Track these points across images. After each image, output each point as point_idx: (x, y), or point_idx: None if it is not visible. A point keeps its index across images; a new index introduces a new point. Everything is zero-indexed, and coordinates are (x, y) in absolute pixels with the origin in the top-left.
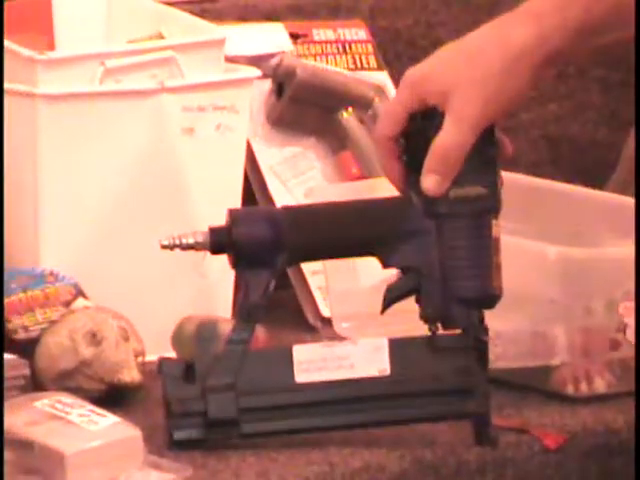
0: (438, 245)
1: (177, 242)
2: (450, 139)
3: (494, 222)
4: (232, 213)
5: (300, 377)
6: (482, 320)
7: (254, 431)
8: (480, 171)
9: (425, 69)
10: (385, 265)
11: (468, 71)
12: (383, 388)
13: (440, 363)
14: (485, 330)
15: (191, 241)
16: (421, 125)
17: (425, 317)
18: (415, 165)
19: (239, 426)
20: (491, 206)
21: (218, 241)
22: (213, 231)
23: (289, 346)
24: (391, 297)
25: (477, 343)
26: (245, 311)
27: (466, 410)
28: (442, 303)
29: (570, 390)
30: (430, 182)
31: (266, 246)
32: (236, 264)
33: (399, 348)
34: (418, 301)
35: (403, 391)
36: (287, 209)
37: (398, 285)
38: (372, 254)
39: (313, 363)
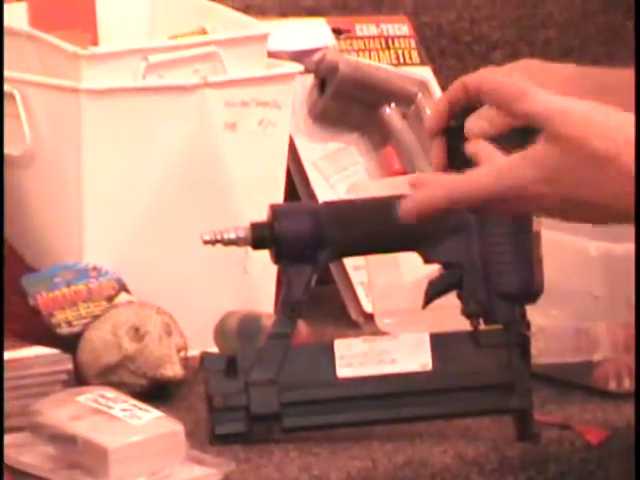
0: (479, 240)
1: (219, 237)
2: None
3: (534, 217)
4: (274, 208)
5: (342, 372)
6: (524, 315)
7: (296, 425)
8: None
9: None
10: (427, 260)
11: None
12: (425, 383)
13: (482, 358)
14: (527, 325)
15: (233, 236)
16: (462, 121)
17: (467, 312)
18: (456, 160)
19: (281, 420)
20: None
21: (260, 236)
22: (255, 226)
23: (331, 341)
24: (433, 292)
25: (519, 338)
26: (287, 306)
27: (508, 406)
28: (484, 298)
29: (612, 386)
30: (409, 204)
31: (308, 241)
32: (278, 259)
33: (441, 343)
34: (460, 296)
35: (445, 386)
36: (328, 204)
37: (440, 280)
38: (413, 249)
39: (355, 358)
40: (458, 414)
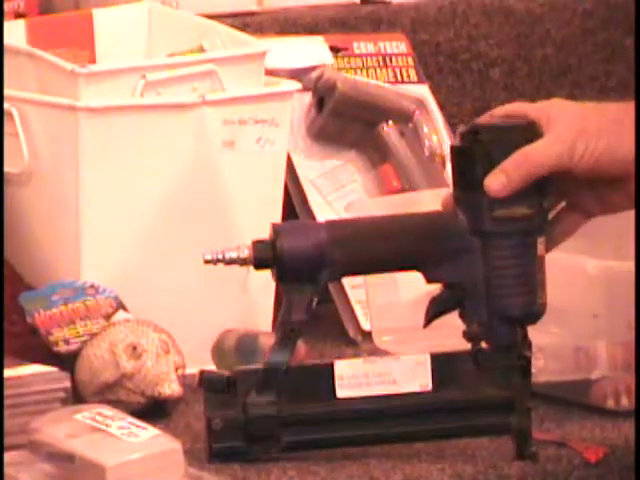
0: (483, 263)
1: (220, 257)
2: (541, 151)
3: (539, 240)
4: (275, 227)
5: (341, 393)
6: (526, 336)
7: (295, 445)
8: (529, 192)
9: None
10: (429, 280)
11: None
12: (424, 403)
13: (482, 379)
14: (529, 346)
15: (234, 255)
16: (472, 140)
17: (469, 335)
18: (462, 182)
19: (279, 441)
20: (537, 226)
21: (261, 255)
22: (256, 245)
23: (330, 362)
24: (434, 312)
25: (520, 360)
26: (287, 326)
27: (507, 426)
28: (486, 320)
29: (611, 404)
30: (496, 180)
31: (310, 261)
32: (279, 279)
33: (441, 364)
34: (462, 317)
35: (444, 406)
36: (331, 223)
37: (442, 299)
38: (416, 269)
39: (355, 379)
40: (457, 434)
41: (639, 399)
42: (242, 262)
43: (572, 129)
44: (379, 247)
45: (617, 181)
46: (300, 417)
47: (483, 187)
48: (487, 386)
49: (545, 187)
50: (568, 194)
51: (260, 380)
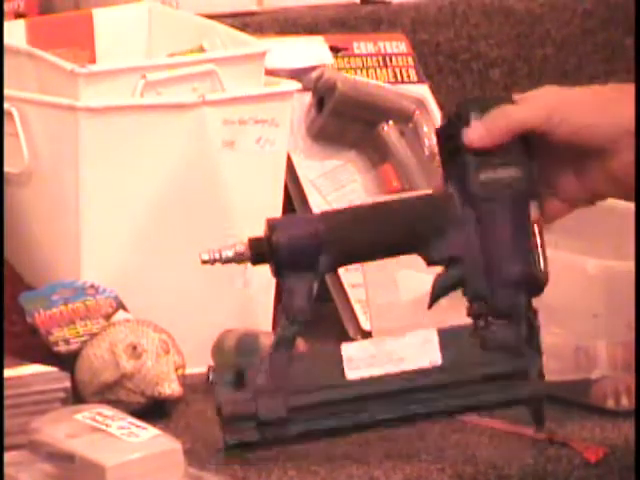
0: (479, 233)
1: (217, 256)
2: (519, 110)
3: (533, 204)
4: (269, 222)
5: (351, 374)
6: (530, 305)
7: (306, 429)
8: (515, 155)
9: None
10: (429, 262)
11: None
12: (436, 378)
13: (491, 352)
14: (535, 313)
15: (230, 254)
16: (455, 121)
17: (472, 312)
18: (447, 155)
19: (290, 426)
20: (527, 189)
21: (258, 251)
22: (253, 242)
23: (338, 345)
24: (438, 290)
25: (527, 328)
26: (291, 313)
27: (521, 396)
28: (488, 291)
29: (611, 404)
30: (474, 132)
31: (306, 249)
32: (278, 271)
33: (449, 338)
34: (465, 295)
35: (456, 380)
36: (325, 214)
37: (444, 277)
38: (414, 251)
39: (363, 360)
40: (472, 408)
41: (639, 399)
42: (239, 260)
43: (554, 97)
44: (376, 232)
45: (597, 158)
46: (310, 399)
47: (466, 151)
48: (498, 357)
49: (532, 151)
50: (547, 172)
51: (267, 365)
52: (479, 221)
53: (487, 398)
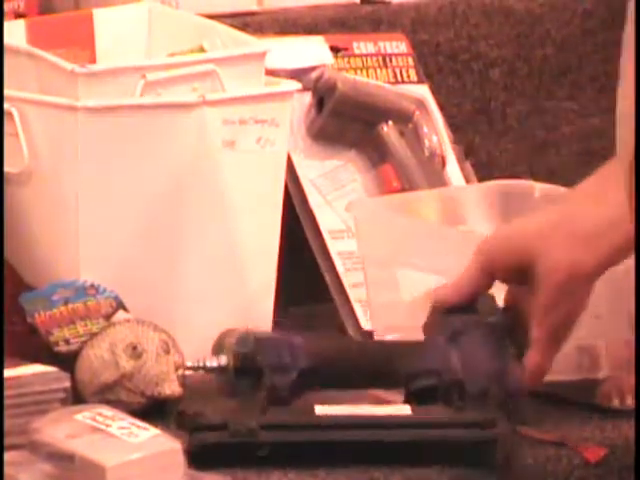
0: (457, 350)
1: (201, 364)
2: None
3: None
4: (258, 339)
5: (320, 410)
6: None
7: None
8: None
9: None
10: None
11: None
12: (405, 424)
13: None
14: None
15: (214, 364)
16: None
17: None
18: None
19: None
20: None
21: (242, 366)
22: (238, 355)
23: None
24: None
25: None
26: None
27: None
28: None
29: (616, 403)
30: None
31: (291, 383)
32: (259, 389)
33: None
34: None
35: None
36: (309, 339)
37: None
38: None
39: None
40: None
41: (639, 399)
42: (222, 370)
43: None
44: (359, 371)
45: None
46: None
47: None
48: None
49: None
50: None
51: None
52: (457, 338)
53: (454, 440)
